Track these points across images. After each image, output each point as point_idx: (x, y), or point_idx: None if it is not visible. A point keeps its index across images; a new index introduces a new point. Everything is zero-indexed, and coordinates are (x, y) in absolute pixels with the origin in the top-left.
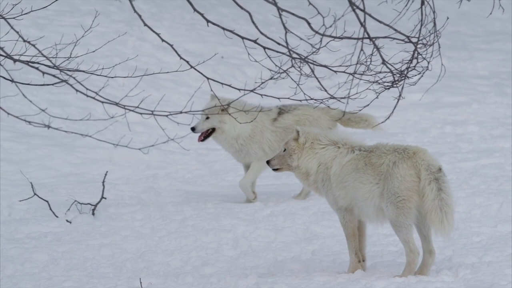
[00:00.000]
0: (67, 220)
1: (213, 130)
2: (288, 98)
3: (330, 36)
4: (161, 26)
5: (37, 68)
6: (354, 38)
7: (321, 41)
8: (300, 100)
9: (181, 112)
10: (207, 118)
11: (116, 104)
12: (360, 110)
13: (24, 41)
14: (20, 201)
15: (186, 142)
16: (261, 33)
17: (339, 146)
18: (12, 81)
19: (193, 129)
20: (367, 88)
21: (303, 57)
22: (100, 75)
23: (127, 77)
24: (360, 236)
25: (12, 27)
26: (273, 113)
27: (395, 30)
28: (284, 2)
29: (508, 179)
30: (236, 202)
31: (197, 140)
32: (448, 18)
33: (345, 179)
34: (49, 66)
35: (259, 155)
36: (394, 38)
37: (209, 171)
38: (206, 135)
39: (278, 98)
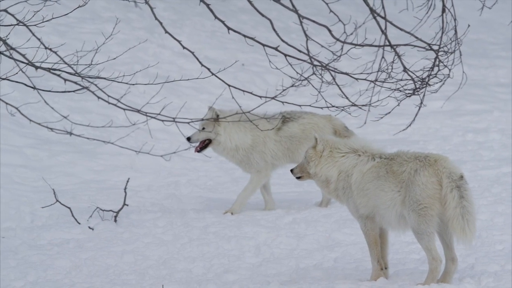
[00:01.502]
0: (89, 227)
1: (210, 141)
2: (310, 105)
3: (351, 43)
4: (181, 33)
5: (58, 75)
6: (375, 46)
7: (342, 48)
8: (322, 108)
9: (202, 119)
10: (203, 129)
11: (138, 111)
12: (381, 118)
13: (46, 48)
14: (43, 207)
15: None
16: (282, 40)
17: (359, 154)
18: (34, 88)
19: (188, 139)
20: (388, 96)
21: (324, 65)
22: (121, 82)
23: (148, 84)
24: (382, 244)
25: (33, 34)
26: (277, 122)
27: (416, 37)
28: (305, 10)
29: None
30: (257, 209)
31: (194, 151)
32: (469, 25)
33: (366, 187)
34: (70, 73)
35: (260, 165)
36: (415, 46)
37: (230, 178)
38: (203, 146)
39: (299, 106)
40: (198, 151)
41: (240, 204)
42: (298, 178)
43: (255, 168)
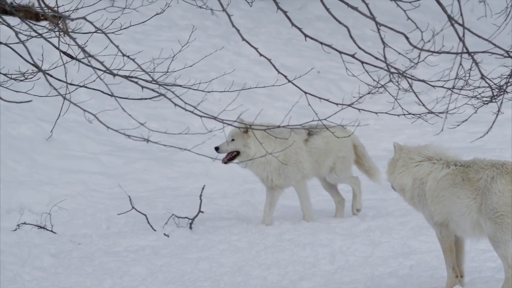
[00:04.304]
0: (164, 234)
1: (238, 153)
2: (386, 112)
3: (428, 50)
4: (257, 40)
5: (136, 82)
6: (453, 53)
7: (419, 55)
8: (398, 115)
9: (278, 127)
10: (232, 140)
11: (215, 118)
12: (458, 125)
13: (123, 55)
14: (118, 214)
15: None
16: (359, 47)
17: (434, 161)
18: (111, 95)
19: (216, 148)
20: (466, 103)
21: (401, 72)
22: (197, 89)
23: (224, 91)
24: (458, 252)
25: (111, 42)
26: (303, 134)
27: (494, 44)
28: (382, 17)
29: None
30: (332, 217)
31: (221, 162)
32: None
33: (441, 194)
34: (147, 81)
35: (298, 177)
36: (493, 53)
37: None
38: (230, 157)
39: (376, 113)
40: (225, 162)
41: (308, 215)
42: (393, 188)
43: (294, 180)
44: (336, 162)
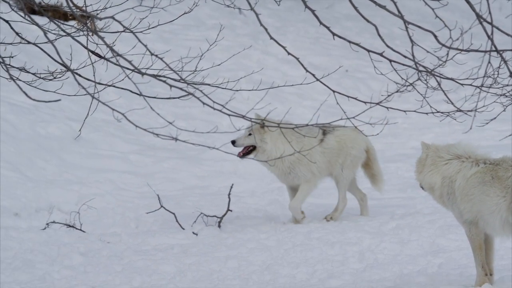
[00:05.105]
0: (193, 232)
1: (254, 148)
2: (414, 111)
3: (456, 49)
4: (285, 39)
5: (164, 82)
6: (481, 51)
7: (447, 54)
8: (427, 113)
9: (307, 125)
10: (249, 134)
11: (243, 117)
12: (487, 123)
13: (151, 54)
14: (147, 213)
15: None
16: (388, 46)
17: (463, 160)
18: (140, 94)
19: (233, 142)
20: (494, 101)
21: (430, 70)
22: (225, 88)
23: (252, 90)
24: (488, 250)
25: (140, 41)
26: (319, 134)
27: None
28: (410, 16)
29: None
30: (361, 215)
31: (237, 155)
32: None
33: (471, 192)
34: (175, 80)
35: (307, 177)
36: None
37: (334, 184)
38: (247, 152)
39: (404, 111)
40: (241, 157)
41: (298, 213)
42: (422, 187)
43: (303, 179)
44: (346, 158)
